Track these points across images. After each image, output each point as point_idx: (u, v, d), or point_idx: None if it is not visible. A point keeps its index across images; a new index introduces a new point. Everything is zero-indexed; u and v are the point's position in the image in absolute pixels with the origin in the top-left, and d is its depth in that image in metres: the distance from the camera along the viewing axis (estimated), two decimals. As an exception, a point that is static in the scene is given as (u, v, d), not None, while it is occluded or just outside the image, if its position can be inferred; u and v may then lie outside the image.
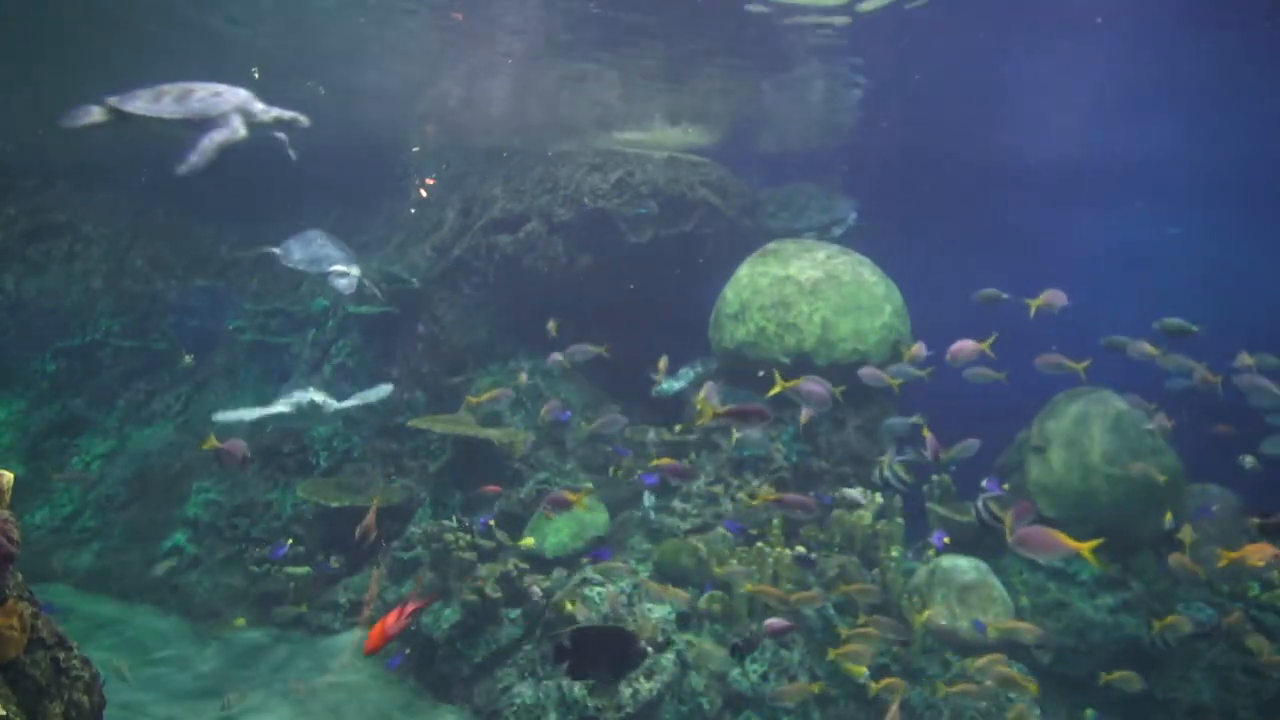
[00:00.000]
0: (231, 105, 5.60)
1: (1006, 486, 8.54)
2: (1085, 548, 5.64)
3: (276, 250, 8.83)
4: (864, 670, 7.34)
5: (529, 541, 8.57)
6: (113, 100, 5.54)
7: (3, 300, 13.60)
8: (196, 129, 5.50)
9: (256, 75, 11.14)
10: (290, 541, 9.94)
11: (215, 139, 5.48)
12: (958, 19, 9.56)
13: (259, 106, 5.71)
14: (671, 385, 10.29)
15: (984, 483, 7.99)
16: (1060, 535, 5.71)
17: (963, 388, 9.04)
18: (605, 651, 4.93)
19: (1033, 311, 8.30)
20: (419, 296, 11.76)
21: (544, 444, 10.14)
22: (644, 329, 10.22)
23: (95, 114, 5.58)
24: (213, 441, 7.08)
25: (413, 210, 13.24)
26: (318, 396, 9.09)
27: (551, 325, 9.70)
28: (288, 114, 5.86)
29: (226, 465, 7.31)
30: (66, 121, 5.62)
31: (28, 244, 14.00)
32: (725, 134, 14.57)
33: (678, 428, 9.73)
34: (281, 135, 5.83)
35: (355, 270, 8.60)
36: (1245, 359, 8.03)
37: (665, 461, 7.94)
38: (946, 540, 8.46)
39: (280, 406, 9.02)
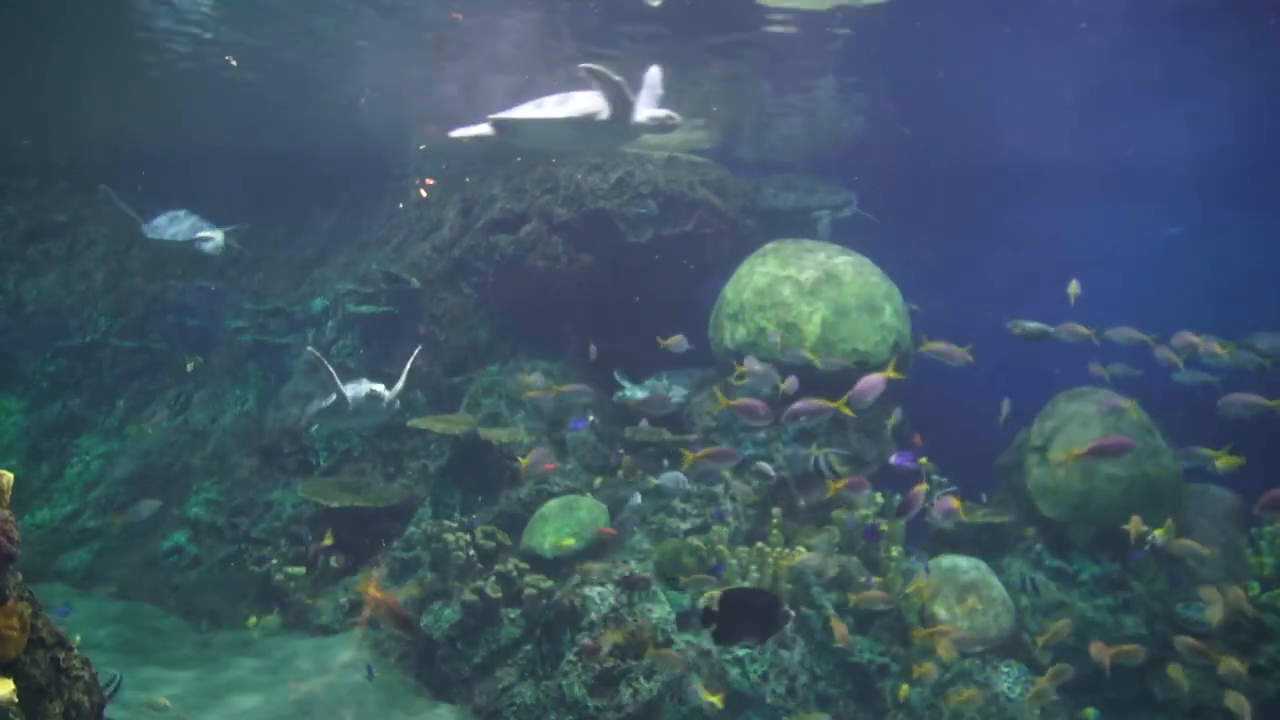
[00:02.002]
0: (609, 98, 6.22)
1: (923, 460, 8.51)
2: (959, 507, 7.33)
3: (143, 227, 9.38)
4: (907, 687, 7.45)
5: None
6: (494, 115, 6.24)
7: (3, 300, 13.61)
8: (577, 126, 6.25)
9: (234, 63, 11.11)
10: (277, 560, 9.89)
11: (597, 117, 6.22)
12: (954, 18, 9.55)
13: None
14: (635, 393, 10.22)
15: (893, 459, 7.95)
16: (954, 499, 7.21)
17: (961, 388, 9.05)
18: (752, 614, 4.88)
19: (1072, 299, 8.72)
20: (419, 296, 11.76)
21: (542, 444, 10.13)
22: (644, 329, 10.19)
23: (482, 127, 6.22)
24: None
25: (400, 205, 13.21)
26: (377, 387, 8.29)
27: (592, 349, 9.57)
28: (661, 112, 6.45)
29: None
30: (455, 133, 6.35)
31: (28, 244, 14.01)
32: (725, 135, 14.56)
33: (667, 434, 9.71)
34: (648, 136, 6.34)
35: (219, 234, 9.23)
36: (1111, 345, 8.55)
37: (708, 451, 7.97)
38: (908, 518, 8.47)
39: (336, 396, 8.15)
